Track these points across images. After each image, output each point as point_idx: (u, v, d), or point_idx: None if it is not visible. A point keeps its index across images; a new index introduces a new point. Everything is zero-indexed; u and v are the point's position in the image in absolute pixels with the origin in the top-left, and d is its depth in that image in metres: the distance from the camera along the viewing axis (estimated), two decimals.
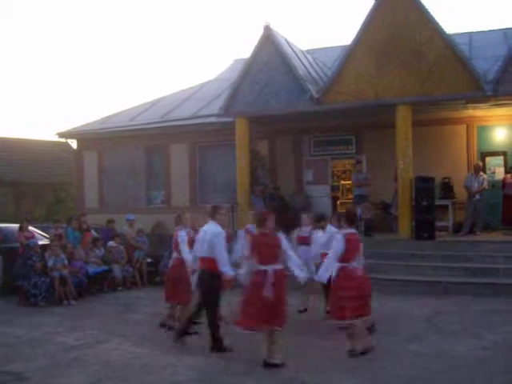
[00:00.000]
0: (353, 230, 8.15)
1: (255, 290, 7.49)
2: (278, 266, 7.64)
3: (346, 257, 7.87)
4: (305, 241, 10.51)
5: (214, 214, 8.46)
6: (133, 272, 14.90)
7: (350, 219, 8.21)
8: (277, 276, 7.52)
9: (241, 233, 10.37)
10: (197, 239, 8.60)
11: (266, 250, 7.63)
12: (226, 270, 8.09)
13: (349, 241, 7.90)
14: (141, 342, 8.97)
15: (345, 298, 7.78)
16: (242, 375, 7.20)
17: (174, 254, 9.67)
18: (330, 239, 8.90)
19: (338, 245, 7.91)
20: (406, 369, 7.28)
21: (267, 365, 7.41)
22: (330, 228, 9.85)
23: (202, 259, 8.37)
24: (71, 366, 7.78)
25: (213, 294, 8.28)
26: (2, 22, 57.67)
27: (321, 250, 9.93)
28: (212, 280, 8.20)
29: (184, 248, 9.37)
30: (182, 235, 9.54)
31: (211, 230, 8.29)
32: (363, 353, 7.72)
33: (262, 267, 7.51)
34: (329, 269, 8.06)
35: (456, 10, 56.23)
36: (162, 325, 9.80)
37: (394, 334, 9.02)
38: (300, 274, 8.09)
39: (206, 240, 8.23)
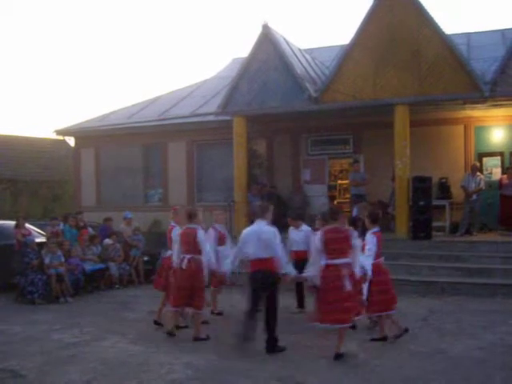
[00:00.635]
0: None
1: (332, 285, 7.70)
2: (348, 260, 7.85)
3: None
4: None
5: (263, 213, 8.40)
6: (129, 270, 14.90)
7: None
8: (349, 270, 7.77)
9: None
10: (244, 240, 8.40)
11: (337, 245, 7.82)
12: (290, 270, 8.44)
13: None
14: (137, 340, 8.97)
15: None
16: (239, 373, 7.20)
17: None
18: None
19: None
20: (403, 368, 7.30)
21: (339, 356, 7.65)
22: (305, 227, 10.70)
23: (260, 260, 8.15)
24: (67, 364, 7.78)
25: (277, 295, 8.26)
26: (1, 20, 57.59)
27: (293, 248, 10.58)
28: (276, 281, 8.21)
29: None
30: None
31: (265, 229, 8.22)
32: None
33: (335, 261, 7.75)
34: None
35: (454, 10, 56.31)
36: (157, 323, 9.78)
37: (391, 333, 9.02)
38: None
39: (262, 239, 8.11)
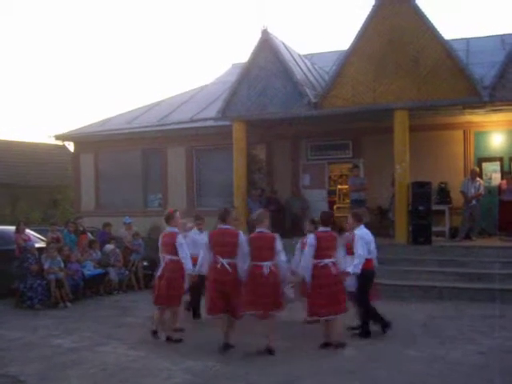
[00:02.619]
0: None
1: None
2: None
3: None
4: None
5: (360, 219, 9.35)
6: (129, 275, 14.89)
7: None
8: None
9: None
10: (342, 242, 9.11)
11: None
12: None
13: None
14: (137, 346, 8.96)
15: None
16: (238, 378, 7.20)
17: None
18: None
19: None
20: (402, 373, 7.30)
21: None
22: None
23: (368, 260, 9.10)
24: (67, 369, 7.77)
25: None
26: (1, 23, 57.67)
27: None
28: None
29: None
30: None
31: (369, 233, 9.32)
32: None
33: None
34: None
35: (454, 15, 56.41)
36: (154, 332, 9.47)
37: (390, 338, 9.03)
38: None
39: (369, 242, 9.20)
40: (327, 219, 8.79)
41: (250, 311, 8.29)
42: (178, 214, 9.56)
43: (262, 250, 8.27)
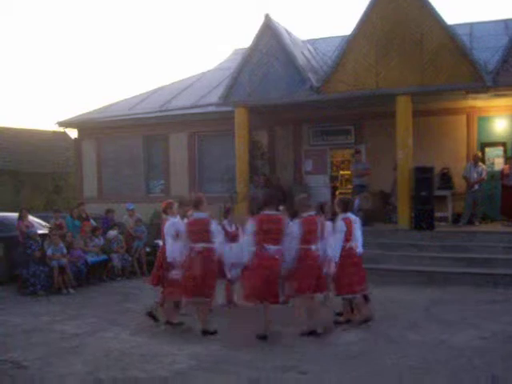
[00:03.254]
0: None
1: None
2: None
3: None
4: None
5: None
6: (132, 261, 14.92)
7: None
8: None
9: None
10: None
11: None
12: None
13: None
14: (140, 331, 8.97)
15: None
16: (242, 364, 7.21)
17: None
18: None
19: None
20: (405, 358, 7.31)
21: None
22: None
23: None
24: (70, 355, 7.79)
25: None
26: (2, 11, 57.46)
27: None
28: None
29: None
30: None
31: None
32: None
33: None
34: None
35: (457, 0, 56.05)
36: (151, 315, 9.47)
37: (393, 323, 9.05)
38: None
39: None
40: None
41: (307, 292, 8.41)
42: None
43: (311, 233, 8.38)
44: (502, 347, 7.71)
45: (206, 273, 8.44)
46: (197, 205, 8.66)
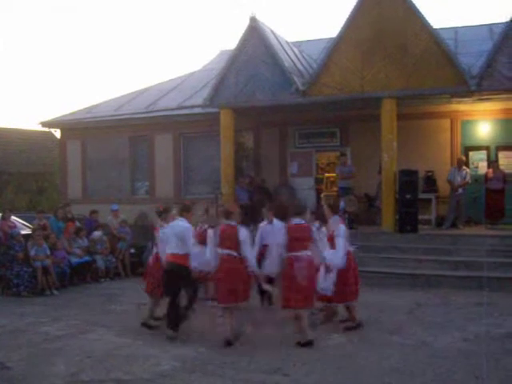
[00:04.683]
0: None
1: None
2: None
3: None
4: None
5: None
6: (116, 263, 14.87)
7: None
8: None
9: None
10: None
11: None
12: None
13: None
14: (124, 333, 8.96)
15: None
16: (226, 366, 7.22)
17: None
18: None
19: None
20: (388, 360, 7.35)
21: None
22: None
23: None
24: (54, 356, 7.77)
25: None
26: None
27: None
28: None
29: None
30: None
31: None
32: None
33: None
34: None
35: (442, 4, 56.46)
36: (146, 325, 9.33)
37: (377, 325, 9.09)
38: None
39: None
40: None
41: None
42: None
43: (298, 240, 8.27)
44: (486, 349, 7.76)
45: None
46: (227, 215, 8.50)
